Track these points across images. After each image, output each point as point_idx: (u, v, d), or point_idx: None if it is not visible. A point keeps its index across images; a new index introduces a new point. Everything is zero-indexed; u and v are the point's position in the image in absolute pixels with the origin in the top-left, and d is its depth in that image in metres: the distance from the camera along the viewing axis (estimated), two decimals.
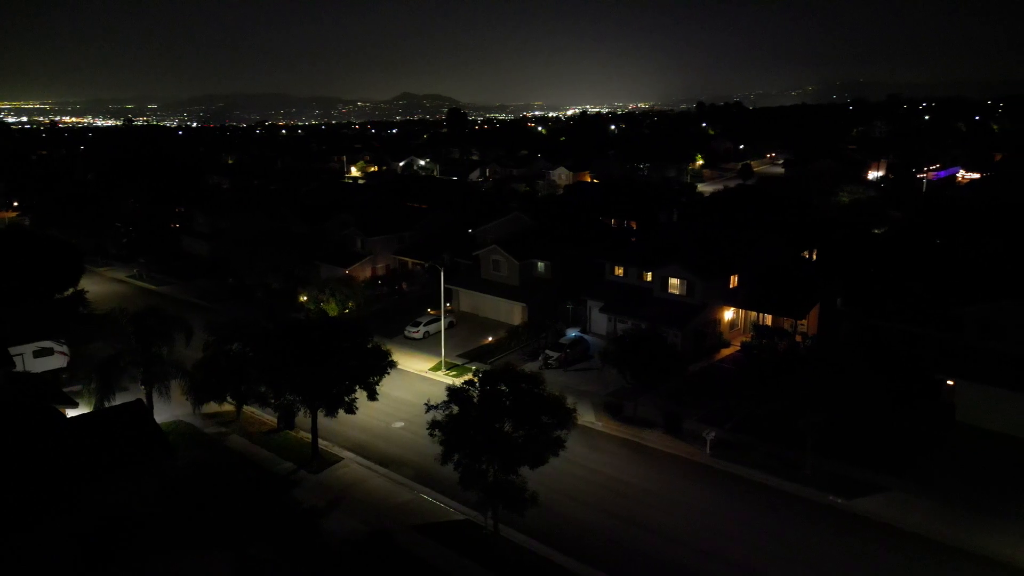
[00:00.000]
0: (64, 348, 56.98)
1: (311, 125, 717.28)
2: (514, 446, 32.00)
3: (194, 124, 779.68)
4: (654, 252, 62.85)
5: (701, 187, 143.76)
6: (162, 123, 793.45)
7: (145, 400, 46.49)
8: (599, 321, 62.11)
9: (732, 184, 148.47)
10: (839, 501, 37.19)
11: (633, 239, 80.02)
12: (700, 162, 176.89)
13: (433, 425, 34.75)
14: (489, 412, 32.49)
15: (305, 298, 75.10)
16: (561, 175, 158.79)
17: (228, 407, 49.98)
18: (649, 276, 60.98)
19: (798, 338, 56.35)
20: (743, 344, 58.09)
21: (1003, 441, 41.56)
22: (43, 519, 25.36)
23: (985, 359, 43.71)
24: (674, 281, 58.62)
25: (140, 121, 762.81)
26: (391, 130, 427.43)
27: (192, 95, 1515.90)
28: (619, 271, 63.46)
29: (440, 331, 65.49)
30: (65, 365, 56.83)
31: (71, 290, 72.93)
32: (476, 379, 34.76)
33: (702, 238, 65.19)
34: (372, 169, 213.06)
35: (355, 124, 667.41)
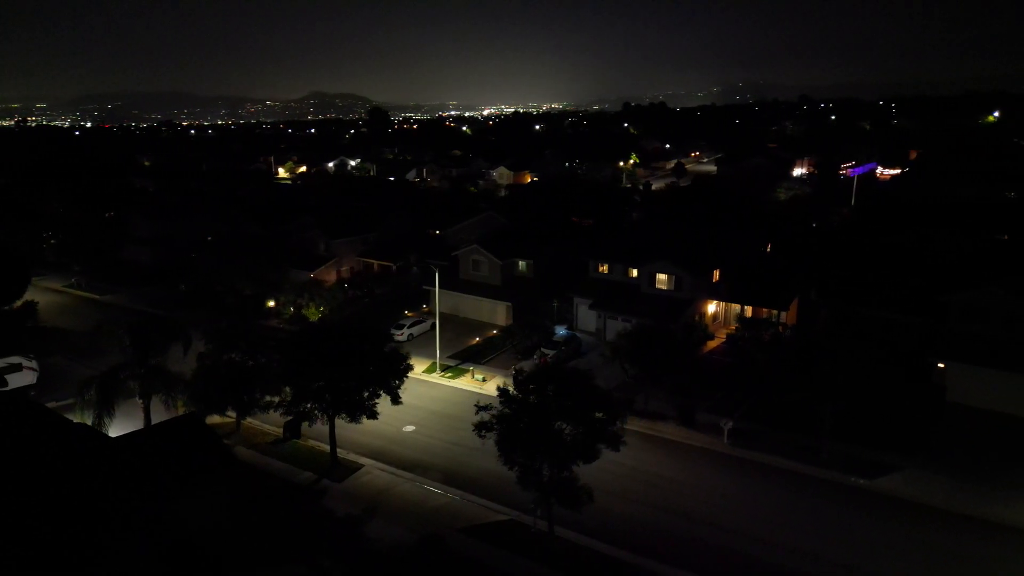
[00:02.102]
0: (33, 364, 53.39)
1: (220, 125, 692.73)
2: (571, 444, 32.18)
3: (88, 124, 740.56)
4: (637, 249, 64.04)
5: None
6: (53, 123, 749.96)
7: (143, 414, 44.32)
8: (587, 318, 62.83)
9: (665, 183, 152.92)
10: (861, 482, 39.11)
11: (592, 236, 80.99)
12: (634, 161, 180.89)
13: (480, 427, 34.57)
14: (546, 412, 32.53)
15: (273, 303, 72.97)
16: (502, 175, 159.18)
17: (225, 419, 48.08)
18: (635, 272, 62.11)
19: (779, 328, 58.68)
20: (728, 336, 60.05)
21: (993, 418, 44.72)
22: (125, 542, 23.70)
23: (971, 342, 46.90)
24: (662, 277, 59.97)
25: (31, 121, 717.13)
26: (309, 130, 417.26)
27: (83, 93, 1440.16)
28: (603, 268, 64.34)
29: (424, 333, 65.06)
30: (34, 381, 53.26)
31: (19, 302, 68.22)
32: (519, 379, 34.79)
33: (678, 235, 66.93)
34: (301, 170, 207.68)
35: (266, 124, 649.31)
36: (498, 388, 35.03)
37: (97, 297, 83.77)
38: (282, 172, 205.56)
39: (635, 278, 62.10)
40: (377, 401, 41.47)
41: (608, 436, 32.53)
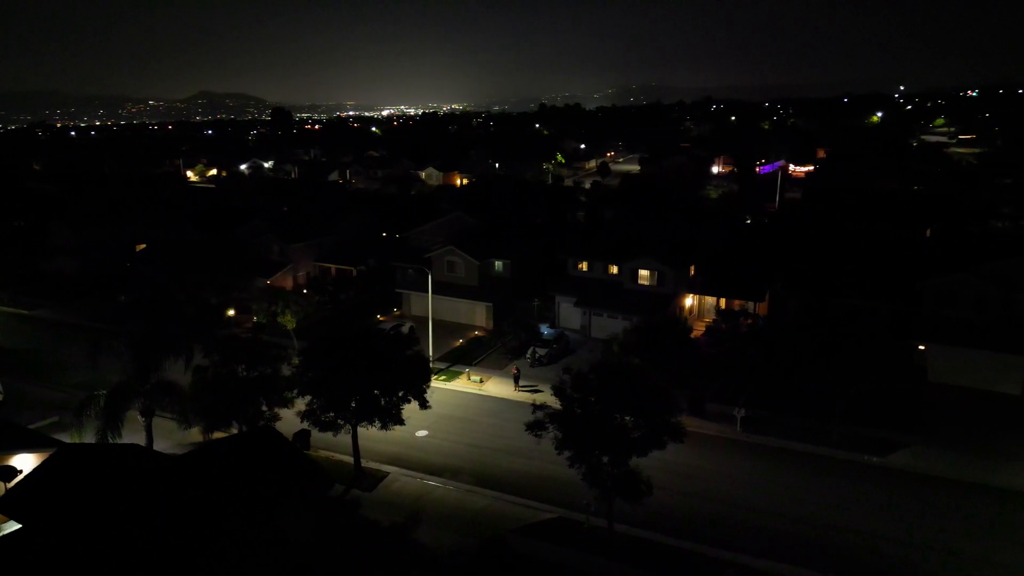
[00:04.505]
0: None
1: (100, 126, 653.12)
2: (637, 438, 32.72)
3: None
4: (616, 246, 65.34)
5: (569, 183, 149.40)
6: None
7: (145, 432, 41.68)
8: (569, 316, 63.55)
9: (592, 181, 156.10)
10: (875, 460, 41.65)
11: (555, 235, 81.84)
12: (559, 160, 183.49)
13: (533, 426, 34.65)
14: (612, 408, 32.92)
15: (233, 312, 70.10)
16: (430, 175, 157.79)
17: (220, 433, 45.72)
18: (615, 269, 63.37)
19: (753, 319, 61.40)
20: (707, 327, 62.20)
21: (972, 394, 48.52)
22: (248, 567, 22.22)
23: (947, 325, 50.76)
24: (644, 272, 61.47)
25: None
26: (207, 131, 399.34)
27: None
28: (583, 265, 65.27)
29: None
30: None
31: None
32: (567, 378, 35.10)
33: (648, 231, 68.68)
34: (211, 173, 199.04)
35: (152, 124, 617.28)
36: (552, 387, 35.11)
37: (25, 312, 77.77)
38: (191, 175, 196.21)
39: (616, 275, 63.35)
40: (404, 407, 40.74)
41: (671, 428, 33.23)
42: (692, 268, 63.74)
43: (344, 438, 41.44)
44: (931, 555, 33.43)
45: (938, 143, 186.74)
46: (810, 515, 36.80)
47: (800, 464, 41.96)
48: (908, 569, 32.62)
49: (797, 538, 35.01)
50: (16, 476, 30.95)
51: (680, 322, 53.21)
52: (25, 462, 37.30)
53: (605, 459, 32.80)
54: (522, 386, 53.13)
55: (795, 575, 32.37)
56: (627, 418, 33.13)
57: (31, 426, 44.50)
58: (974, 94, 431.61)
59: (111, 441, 38.51)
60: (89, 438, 38.81)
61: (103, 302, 78.95)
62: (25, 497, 24.64)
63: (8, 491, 27.05)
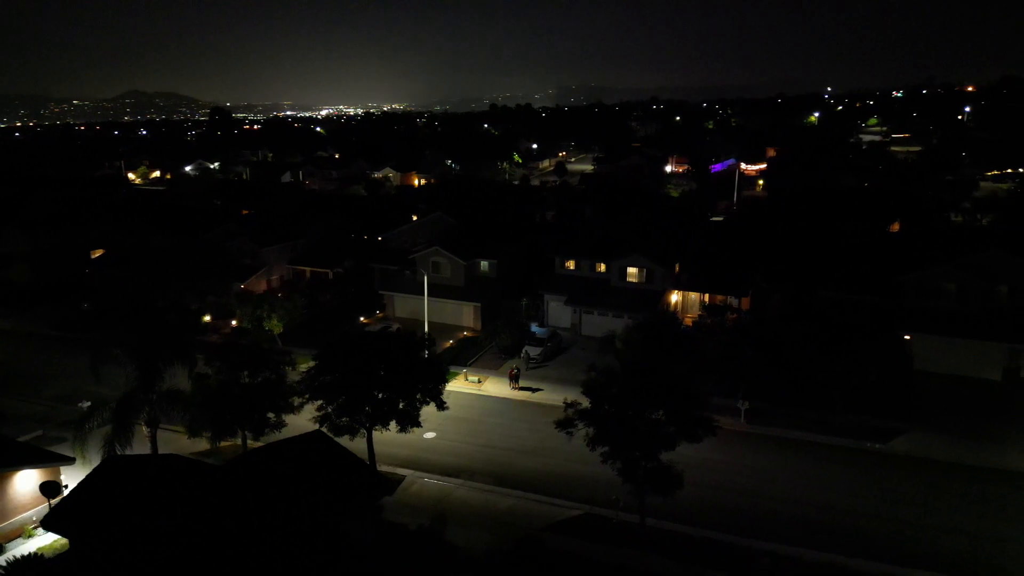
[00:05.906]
0: None
1: (23, 126, 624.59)
2: (672, 433, 33.22)
3: None
4: (601, 244, 66.03)
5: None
6: None
7: (149, 442, 40.20)
8: (560, 314, 63.85)
9: (551, 181, 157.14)
10: (876, 446, 43.23)
11: (535, 233, 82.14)
12: (517, 160, 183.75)
13: (563, 423, 34.88)
14: (641, 404, 33.33)
15: (208, 318, 68.24)
16: (389, 176, 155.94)
17: (224, 442, 44.44)
18: (603, 267, 64.01)
19: (737, 314, 63.01)
20: (694, 322, 63.51)
21: (956, 380, 50.73)
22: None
23: (930, 316, 53.01)
24: (632, 270, 62.30)
25: None
26: (140, 131, 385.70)
27: None
28: (570, 264, 65.69)
29: None
30: None
31: None
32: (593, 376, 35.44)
33: (629, 229, 69.59)
34: (155, 175, 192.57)
35: (79, 125, 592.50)
36: (584, 385, 35.35)
37: None
38: (133, 177, 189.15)
39: (604, 273, 64.00)
40: (421, 408, 40.40)
41: (703, 422, 33.83)
42: (677, 265, 64.83)
43: (349, 443, 40.74)
44: (947, 536, 34.91)
45: (878, 142, 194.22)
46: (827, 502, 38.02)
47: (807, 453, 43.24)
48: (930, 550, 33.97)
49: (819, 524, 36.11)
50: (60, 492, 29.49)
51: (677, 318, 54.18)
52: (29, 478, 35.70)
53: (637, 454, 33.25)
54: (520, 386, 53.23)
55: (824, 561, 33.33)
56: (659, 414, 33.63)
57: (23, 439, 42.47)
58: (899, 95, 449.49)
59: (119, 453, 37.25)
60: (92, 451, 37.28)
61: (64, 310, 75.85)
62: (73, 512, 23.46)
63: (54, 507, 25.80)
